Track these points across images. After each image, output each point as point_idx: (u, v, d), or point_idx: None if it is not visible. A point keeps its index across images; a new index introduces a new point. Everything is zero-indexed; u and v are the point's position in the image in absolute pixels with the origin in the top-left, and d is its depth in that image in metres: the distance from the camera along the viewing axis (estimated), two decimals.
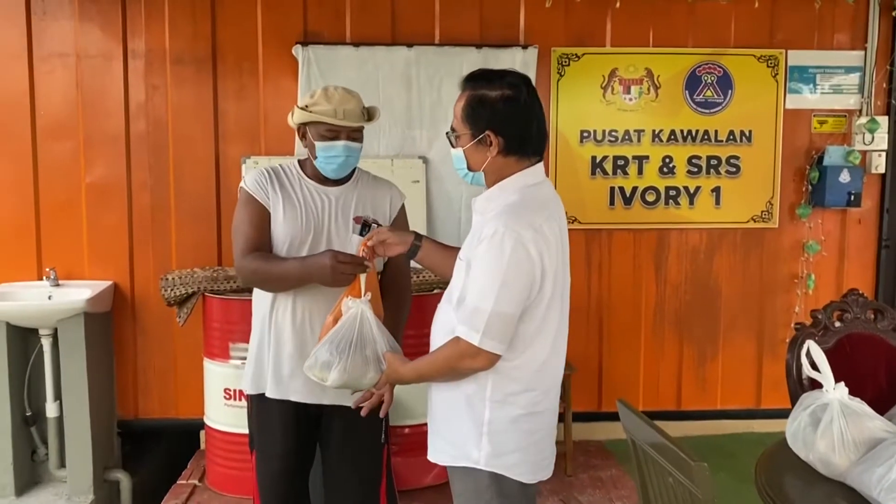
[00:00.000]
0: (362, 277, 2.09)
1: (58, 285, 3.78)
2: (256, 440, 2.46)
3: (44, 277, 3.82)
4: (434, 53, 3.95)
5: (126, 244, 3.96)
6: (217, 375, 3.59)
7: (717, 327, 4.33)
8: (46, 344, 3.70)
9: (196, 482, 3.69)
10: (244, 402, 3.48)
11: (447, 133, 1.98)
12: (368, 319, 2.07)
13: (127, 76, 3.91)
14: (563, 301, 1.93)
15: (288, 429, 2.37)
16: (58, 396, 3.72)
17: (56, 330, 3.65)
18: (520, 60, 3.96)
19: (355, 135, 2.31)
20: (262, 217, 2.31)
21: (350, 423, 2.33)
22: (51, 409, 3.73)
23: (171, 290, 3.63)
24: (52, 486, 3.77)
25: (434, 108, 3.93)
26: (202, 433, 3.95)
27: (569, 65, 4.10)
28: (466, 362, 1.83)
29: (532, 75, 3.94)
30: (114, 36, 3.89)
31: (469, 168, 1.93)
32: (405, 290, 2.47)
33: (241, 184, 2.38)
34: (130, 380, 4.02)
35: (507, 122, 1.87)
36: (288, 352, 2.32)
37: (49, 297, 3.71)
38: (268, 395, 2.36)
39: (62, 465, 3.74)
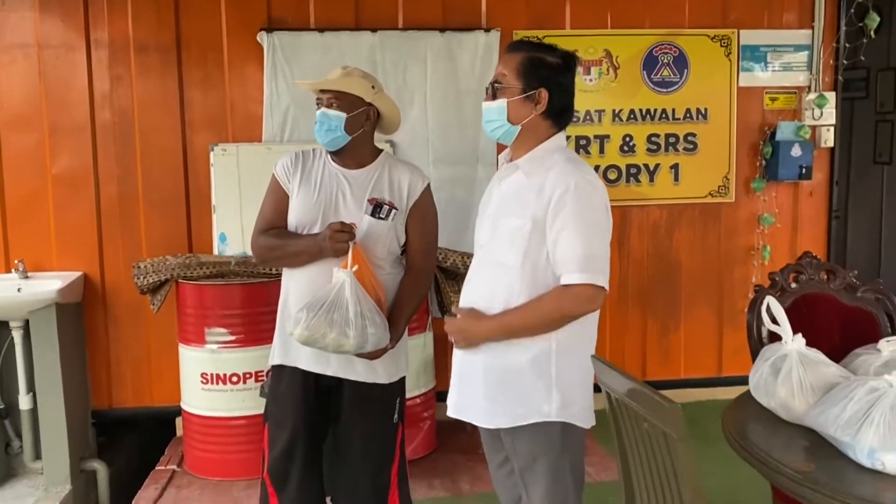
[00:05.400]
0: (350, 252, 2.26)
1: (27, 277, 3.76)
2: (270, 410, 2.51)
3: (12, 270, 3.80)
4: (398, 38, 4.01)
5: (95, 234, 3.96)
6: (193, 360, 3.62)
7: (678, 300, 4.48)
8: (17, 336, 3.68)
9: (175, 467, 3.72)
10: (222, 386, 3.57)
11: (488, 86, 2.11)
12: (346, 288, 2.24)
13: (90, 66, 3.90)
14: None
15: (297, 398, 2.42)
16: (31, 389, 3.70)
17: (27, 322, 3.64)
18: (483, 44, 4.04)
19: (332, 101, 2.39)
20: (281, 199, 2.45)
21: (359, 399, 2.42)
22: (24, 402, 3.72)
23: (144, 277, 3.64)
24: (27, 479, 3.77)
25: (400, 92, 3.98)
26: (178, 420, 3.98)
27: None
28: (586, 307, 2.00)
29: (495, 58, 4.02)
30: (75, 26, 3.87)
31: (509, 119, 2.07)
32: (422, 272, 2.50)
33: (274, 166, 2.50)
34: (103, 370, 4.02)
35: (559, 87, 2.07)
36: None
37: (18, 290, 3.70)
38: (278, 361, 2.45)
39: (37, 457, 3.73)
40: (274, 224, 2.46)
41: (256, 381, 3.53)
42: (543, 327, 2.02)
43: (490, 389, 2.09)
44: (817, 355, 2.04)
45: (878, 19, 4.22)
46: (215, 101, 4.00)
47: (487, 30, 4.08)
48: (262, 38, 3.93)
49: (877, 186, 5.91)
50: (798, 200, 4.49)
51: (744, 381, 2.28)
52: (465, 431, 3.91)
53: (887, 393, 1.73)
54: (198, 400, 3.63)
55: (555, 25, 4.20)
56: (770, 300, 2.12)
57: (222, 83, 3.99)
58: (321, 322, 2.21)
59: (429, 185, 2.51)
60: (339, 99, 2.39)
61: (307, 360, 2.41)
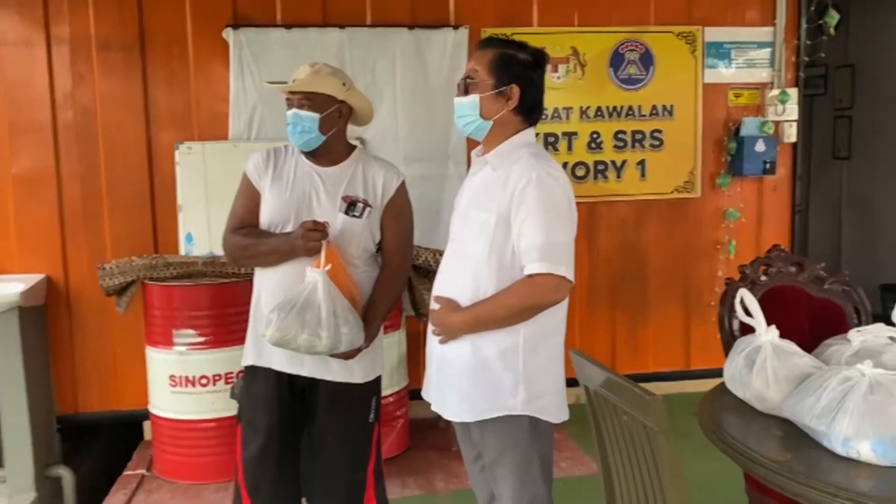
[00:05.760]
0: (323, 251, 2.22)
1: None
2: (244, 411, 2.47)
3: None
4: (366, 35, 3.99)
5: (58, 236, 3.87)
6: (161, 363, 3.55)
7: (646, 295, 4.53)
8: None
9: (143, 472, 3.66)
10: (192, 389, 3.51)
11: (460, 82, 2.13)
12: (318, 288, 2.20)
13: (51, 64, 3.81)
14: None
15: (272, 399, 2.38)
16: None
17: None
18: (451, 41, 4.04)
19: (303, 102, 2.34)
20: (252, 198, 2.41)
21: (334, 399, 2.39)
22: None
23: (110, 279, 3.57)
24: None
25: (369, 90, 3.95)
26: (145, 424, 3.91)
27: None
28: (550, 296, 2.00)
29: (464, 55, 4.03)
30: (35, 22, 3.78)
31: (481, 115, 2.10)
32: (398, 270, 2.47)
33: (246, 164, 2.46)
34: (68, 374, 3.94)
35: (529, 84, 2.10)
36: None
37: None
38: (251, 362, 2.41)
39: (0, 464, 3.64)
40: (246, 223, 2.41)
41: (226, 382, 3.48)
42: (512, 318, 2.03)
43: (459, 384, 2.10)
44: (790, 346, 2.07)
45: (837, 17, 4.31)
46: (180, 98, 3.94)
47: (456, 27, 4.08)
48: (228, 34, 3.88)
49: (836, 181, 6.05)
50: (762, 195, 4.56)
51: (711, 373, 2.31)
52: (438, 429, 3.91)
53: (860, 382, 1.76)
54: (166, 403, 3.57)
55: (523, 23, 4.21)
56: (743, 292, 2.15)
57: (187, 80, 3.93)
58: (293, 323, 2.18)
59: (403, 181, 2.48)
60: (311, 99, 2.35)
61: (281, 361, 2.38)
